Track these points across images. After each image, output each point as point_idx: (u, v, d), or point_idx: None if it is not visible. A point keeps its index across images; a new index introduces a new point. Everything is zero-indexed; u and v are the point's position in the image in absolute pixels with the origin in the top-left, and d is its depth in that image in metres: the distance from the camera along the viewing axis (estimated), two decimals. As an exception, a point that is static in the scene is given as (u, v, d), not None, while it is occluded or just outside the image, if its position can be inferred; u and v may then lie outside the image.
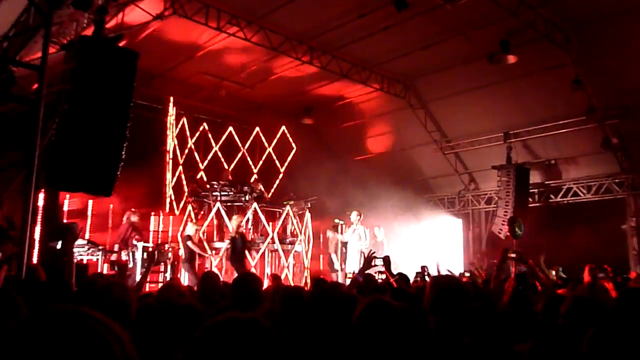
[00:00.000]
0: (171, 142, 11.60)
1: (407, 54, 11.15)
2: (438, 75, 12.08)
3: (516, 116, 12.41)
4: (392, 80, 12.67)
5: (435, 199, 15.46)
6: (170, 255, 10.08)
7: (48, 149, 6.04)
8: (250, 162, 13.03)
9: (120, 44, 7.19)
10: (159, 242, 11.31)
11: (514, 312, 3.68)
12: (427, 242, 14.17)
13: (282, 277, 9.60)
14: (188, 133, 12.09)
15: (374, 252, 4.55)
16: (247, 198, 10.60)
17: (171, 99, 11.72)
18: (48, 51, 6.04)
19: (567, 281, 7.40)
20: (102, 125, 6.24)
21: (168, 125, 11.67)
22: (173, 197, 11.43)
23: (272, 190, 12.48)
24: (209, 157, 12.55)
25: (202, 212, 10.92)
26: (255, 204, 10.46)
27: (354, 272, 9.55)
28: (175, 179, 11.59)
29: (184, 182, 11.64)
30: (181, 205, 11.32)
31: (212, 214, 10.39)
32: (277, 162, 12.97)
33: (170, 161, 11.51)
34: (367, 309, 2.16)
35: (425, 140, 14.12)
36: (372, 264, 4.72)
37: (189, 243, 9.35)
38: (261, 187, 11.58)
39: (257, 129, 13.08)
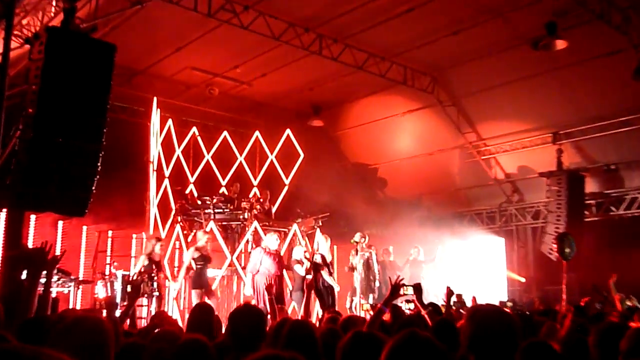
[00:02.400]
0: (155, 151, 11.51)
1: (434, 41, 11.15)
2: (472, 65, 12.09)
3: (567, 113, 12.34)
4: (417, 72, 12.69)
5: (472, 213, 15.43)
6: (155, 285, 10.11)
7: (10, 160, 6.08)
8: (249, 173, 12.89)
9: (94, 36, 7.25)
10: (142, 269, 11.44)
11: (572, 349, 3.63)
12: (463, 266, 14.11)
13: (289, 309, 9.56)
14: (175, 139, 11.94)
15: (402, 279, 4.51)
16: (246, 216, 10.57)
17: (154, 99, 11.60)
18: (10, 46, 6.11)
19: (635, 310, 7.30)
20: (74, 131, 6.28)
21: (151, 130, 11.59)
22: (158, 216, 11.29)
23: (276, 205, 12.28)
24: (199, 168, 12.39)
25: (192, 233, 10.90)
26: (255, 223, 10.42)
27: (373, 304, 9.52)
28: (160, 194, 11.45)
29: (171, 197, 11.47)
30: (167, 225, 11.26)
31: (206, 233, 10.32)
32: (281, 172, 12.77)
33: (155, 173, 11.38)
34: (401, 347, 1.96)
35: (458, 142, 14.12)
36: (401, 292, 4.66)
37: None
38: (262, 201, 11.58)
39: (257, 133, 12.86)
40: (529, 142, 13.33)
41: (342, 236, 12.06)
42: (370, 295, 11.09)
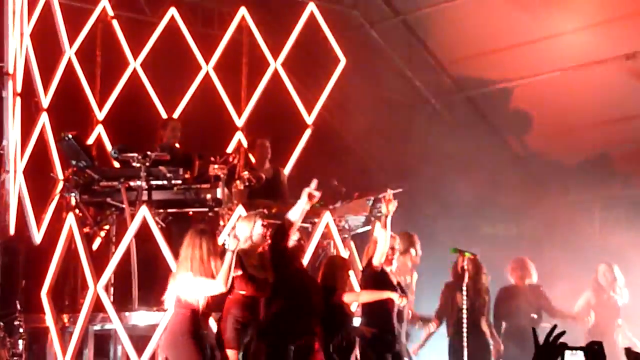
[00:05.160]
0: (18, 51, 11.87)
1: None
2: None
3: None
4: None
5: None
6: (20, 345, 10.60)
7: None
8: (227, 102, 13.22)
9: None
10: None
11: None
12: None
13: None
14: (62, 26, 12.60)
15: (559, 333, 4.05)
16: (218, 194, 10.68)
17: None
18: None
19: None
20: None
21: (9, 7, 11.90)
22: (26, 196, 11.77)
23: (287, 169, 12.54)
24: (118, 88, 12.98)
25: (102, 231, 11.54)
26: (240, 208, 10.44)
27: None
28: (31, 146, 12.08)
29: (55, 155, 12.11)
30: (48, 214, 11.63)
31: (131, 232, 10.47)
32: (296, 98, 12.99)
33: (17, 100, 11.71)
34: None
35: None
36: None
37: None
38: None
39: (243, 11, 13.36)
40: None
41: (433, 236, 12.46)
42: None
